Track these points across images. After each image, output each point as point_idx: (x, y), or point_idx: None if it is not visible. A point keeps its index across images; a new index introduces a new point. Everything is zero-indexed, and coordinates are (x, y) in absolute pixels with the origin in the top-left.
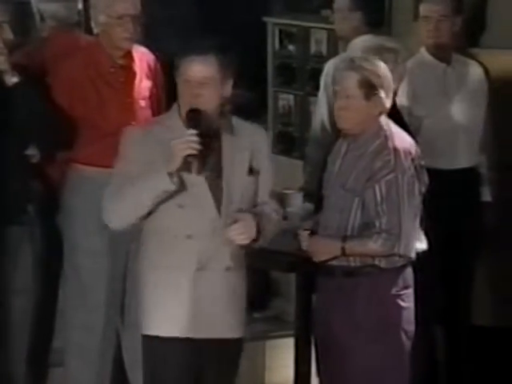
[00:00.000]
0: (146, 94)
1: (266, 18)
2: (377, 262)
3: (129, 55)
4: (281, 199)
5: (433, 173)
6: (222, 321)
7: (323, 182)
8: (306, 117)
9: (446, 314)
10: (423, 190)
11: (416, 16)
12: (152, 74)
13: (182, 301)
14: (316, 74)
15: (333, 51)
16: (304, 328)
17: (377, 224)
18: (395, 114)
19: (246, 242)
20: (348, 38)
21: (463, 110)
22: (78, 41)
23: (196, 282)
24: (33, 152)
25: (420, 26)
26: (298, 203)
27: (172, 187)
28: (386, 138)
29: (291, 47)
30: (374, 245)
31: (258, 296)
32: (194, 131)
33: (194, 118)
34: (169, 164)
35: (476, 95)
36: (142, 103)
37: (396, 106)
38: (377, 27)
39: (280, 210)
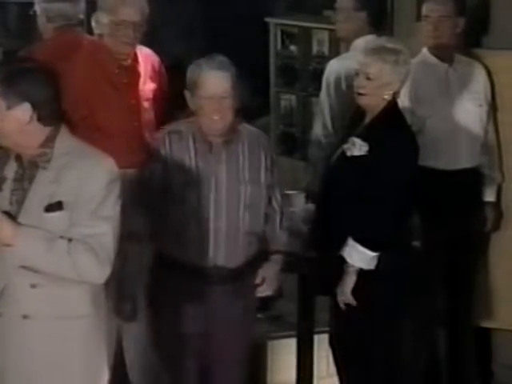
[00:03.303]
0: (150, 95)
1: (267, 19)
2: None
3: (133, 56)
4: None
5: (435, 173)
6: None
7: None
8: (308, 117)
9: (448, 314)
10: None
11: (418, 16)
12: (156, 76)
13: None
14: (318, 74)
15: (335, 52)
16: (307, 329)
17: None
18: (397, 115)
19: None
20: (350, 38)
21: (465, 111)
22: (82, 41)
23: None
24: None
25: (422, 26)
26: (300, 204)
27: None
28: None
29: (293, 48)
30: None
31: (261, 296)
32: None
33: None
34: None
35: (478, 95)
36: (146, 105)
37: (398, 107)
38: (379, 28)
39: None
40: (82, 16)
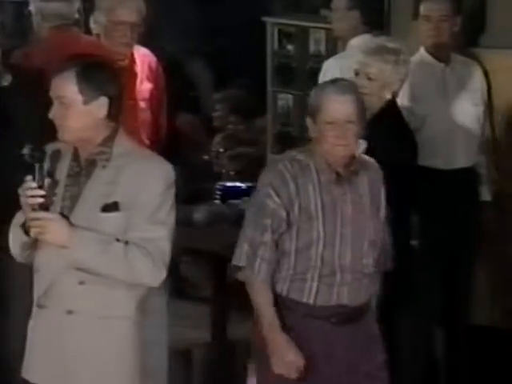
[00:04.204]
0: (147, 95)
1: (264, 18)
2: None
3: (130, 56)
4: None
5: (432, 172)
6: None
7: None
8: (304, 117)
9: (445, 314)
10: None
11: (416, 15)
12: (153, 76)
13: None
14: (315, 73)
15: (332, 51)
16: None
17: None
18: (396, 114)
19: None
20: (345, 37)
21: (462, 110)
22: (78, 41)
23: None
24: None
25: (420, 26)
26: None
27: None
28: None
29: (290, 47)
30: None
31: None
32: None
33: None
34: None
35: (475, 95)
36: (143, 105)
37: (397, 106)
38: (375, 27)
39: None
40: (77, 16)
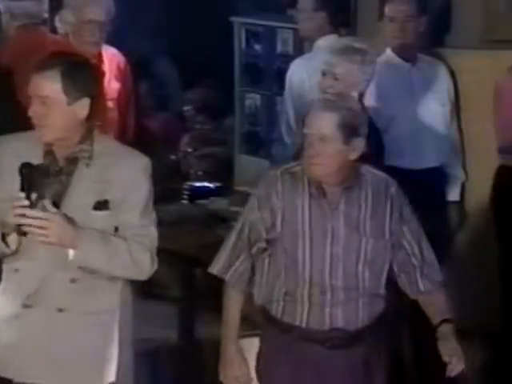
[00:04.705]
0: (115, 95)
1: (232, 18)
2: None
3: (98, 56)
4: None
5: (400, 172)
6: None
7: None
8: (272, 116)
9: (412, 314)
10: None
11: (381, 16)
12: (121, 76)
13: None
14: (282, 73)
15: (299, 51)
16: None
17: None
18: None
19: None
20: (312, 37)
21: (429, 110)
22: (46, 40)
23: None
24: None
25: (385, 27)
26: None
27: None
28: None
29: (257, 47)
30: None
31: None
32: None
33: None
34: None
35: (441, 95)
36: (111, 104)
37: (364, 107)
38: (342, 27)
39: None
40: (46, 15)
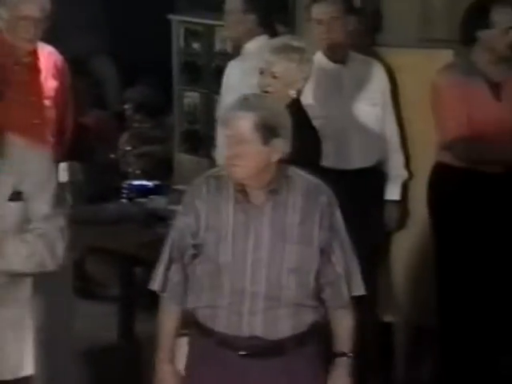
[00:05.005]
0: (52, 93)
1: (170, 16)
2: None
3: (34, 54)
4: None
5: (331, 173)
6: None
7: None
8: (211, 115)
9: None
10: None
11: (309, 18)
12: (59, 74)
13: None
14: (221, 71)
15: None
16: None
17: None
18: (300, 112)
19: None
20: (240, 40)
21: (358, 110)
22: None
23: None
24: None
25: (313, 29)
26: None
27: None
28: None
29: (196, 45)
30: None
31: None
32: None
33: None
34: None
35: (374, 94)
36: (47, 102)
37: (301, 104)
38: (272, 28)
39: None
40: None
